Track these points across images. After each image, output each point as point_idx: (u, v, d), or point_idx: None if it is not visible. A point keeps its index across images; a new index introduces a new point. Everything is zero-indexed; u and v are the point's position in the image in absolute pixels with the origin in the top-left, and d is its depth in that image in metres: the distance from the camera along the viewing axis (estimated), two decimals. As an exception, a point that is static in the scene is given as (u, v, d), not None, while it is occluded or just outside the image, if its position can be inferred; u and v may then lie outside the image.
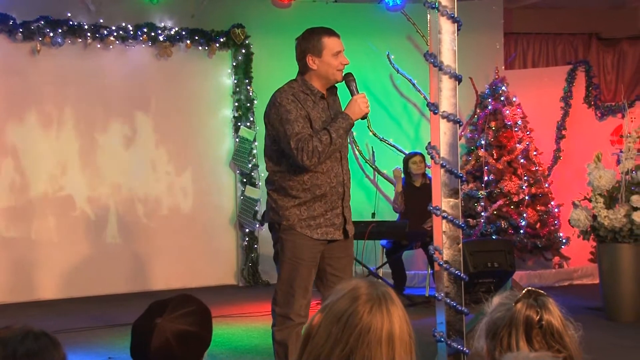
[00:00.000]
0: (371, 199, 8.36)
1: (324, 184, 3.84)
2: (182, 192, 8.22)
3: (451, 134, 3.34)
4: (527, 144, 8.11)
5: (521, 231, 7.84)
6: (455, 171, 3.35)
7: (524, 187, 7.92)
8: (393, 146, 8.32)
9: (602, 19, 9.70)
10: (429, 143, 3.43)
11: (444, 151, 3.34)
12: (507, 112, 8.16)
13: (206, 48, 8.23)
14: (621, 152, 6.60)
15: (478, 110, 8.39)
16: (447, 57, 3.33)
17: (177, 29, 8.05)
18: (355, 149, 8.28)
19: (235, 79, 8.34)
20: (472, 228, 7.84)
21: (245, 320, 6.52)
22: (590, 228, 6.24)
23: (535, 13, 9.53)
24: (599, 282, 6.45)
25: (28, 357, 1.68)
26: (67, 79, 7.78)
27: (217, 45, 8.22)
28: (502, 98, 8.24)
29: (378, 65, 8.39)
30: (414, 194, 7.45)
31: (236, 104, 8.31)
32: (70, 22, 7.66)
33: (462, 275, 3.36)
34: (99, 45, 7.84)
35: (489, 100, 8.29)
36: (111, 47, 7.86)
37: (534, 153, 8.18)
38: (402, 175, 7.57)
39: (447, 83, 3.34)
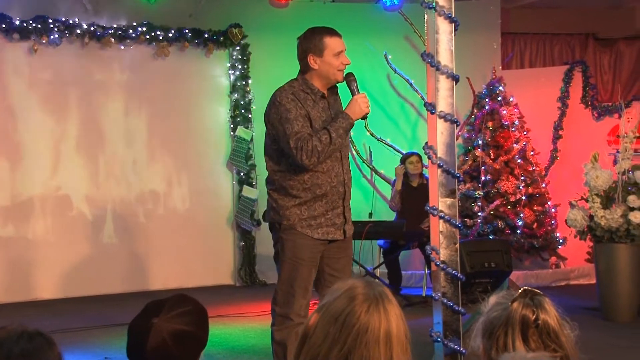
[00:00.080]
0: (368, 199, 8.36)
1: (325, 184, 3.83)
2: (180, 192, 8.21)
3: (448, 134, 3.35)
4: (524, 144, 8.11)
5: (518, 231, 7.84)
6: (452, 171, 3.35)
7: (521, 187, 7.92)
8: (390, 146, 8.33)
9: (599, 19, 9.71)
10: (426, 143, 3.43)
11: (441, 151, 3.35)
12: (504, 112, 8.16)
13: (203, 48, 8.23)
14: (618, 152, 6.61)
15: (475, 110, 8.39)
16: (445, 57, 3.33)
17: (174, 28, 8.04)
18: (352, 149, 8.28)
19: (232, 79, 8.34)
20: (469, 228, 7.85)
21: (242, 320, 6.52)
22: (587, 228, 6.25)
23: (532, 13, 9.54)
24: (595, 282, 6.46)
25: (22, 357, 1.68)
26: (64, 79, 7.77)
27: (215, 44, 8.22)
28: (499, 98, 8.25)
29: (375, 65, 8.39)
30: (411, 194, 7.45)
31: (233, 103, 8.31)
32: (68, 22, 7.65)
33: (459, 275, 3.36)
34: (96, 45, 7.83)
35: (486, 100, 8.30)
36: (108, 46, 7.85)
37: (531, 153, 8.19)
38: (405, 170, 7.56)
39: (444, 83, 3.34)
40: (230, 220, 8.36)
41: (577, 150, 8.26)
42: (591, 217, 6.20)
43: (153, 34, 7.96)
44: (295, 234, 3.84)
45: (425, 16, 3.39)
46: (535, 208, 7.97)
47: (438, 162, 3.33)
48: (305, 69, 3.89)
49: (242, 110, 8.27)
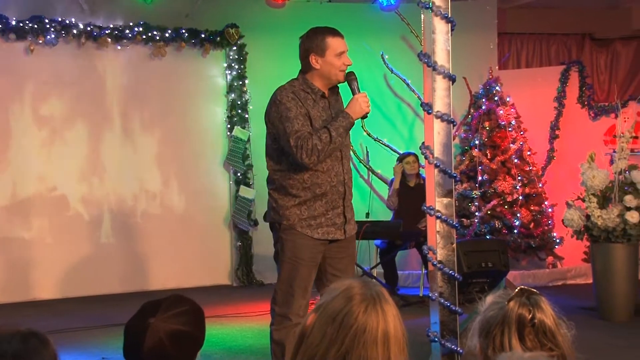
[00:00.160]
0: (365, 199, 8.36)
1: (325, 183, 3.83)
2: (176, 192, 8.21)
3: (445, 134, 3.35)
4: (521, 144, 8.12)
5: (515, 231, 7.85)
6: (449, 171, 3.36)
7: (517, 187, 7.93)
8: (387, 146, 8.33)
9: (595, 19, 9.72)
10: (423, 143, 3.43)
11: (437, 151, 3.35)
12: (501, 112, 8.17)
13: (200, 48, 8.22)
14: (614, 152, 6.62)
15: (472, 110, 8.40)
16: (441, 57, 3.34)
17: (171, 28, 8.04)
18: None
19: (229, 79, 8.33)
20: (466, 228, 7.85)
21: (239, 320, 6.52)
22: (584, 228, 6.25)
23: (528, 13, 9.55)
24: (592, 281, 6.47)
25: (15, 358, 1.67)
26: (61, 79, 7.76)
27: (211, 45, 8.21)
28: (495, 98, 8.25)
29: (372, 65, 8.39)
30: (408, 194, 7.45)
31: (230, 103, 8.30)
32: (64, 22, 7.64)
33: (456, 275, 3.37)
34: (92, 45, 7.83)
35: (483, 100, 8.31)
36: (105, 47, 7.85)
37: (528, 153, 8.19)
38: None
39: (441, 83, 3.35)
40: (228, 221, 8.36)
41: (574, 150, 8.27)
42: (588, 217, 6.20)
43: (149, 34, 7.95)
44: (295, 234, 3.83)
45: (422, 16, 3.39)
46: (532, 208, 7.98)
47: (435, 162, 3.33)
48: (306, 68, 3.90)
49: (239, 111, 8.27)
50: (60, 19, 7.63)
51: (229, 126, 8.30)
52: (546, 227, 8.02)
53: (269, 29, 8.33)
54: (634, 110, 7.84)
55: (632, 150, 6.80)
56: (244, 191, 8.20)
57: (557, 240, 8.00)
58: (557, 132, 8.72)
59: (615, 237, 6.12)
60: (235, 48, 8.27)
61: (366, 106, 3.85)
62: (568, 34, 9.84)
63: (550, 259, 8.11)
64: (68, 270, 7.73)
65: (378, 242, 7.51)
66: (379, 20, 8.50)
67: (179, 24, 8.08)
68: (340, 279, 1.90)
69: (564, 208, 6.44)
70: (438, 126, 3.35)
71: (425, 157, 3.39)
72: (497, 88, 8.29)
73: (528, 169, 8.11)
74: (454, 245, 3.39)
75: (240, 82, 8.29)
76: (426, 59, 3.34)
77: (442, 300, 3.35)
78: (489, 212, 7.89)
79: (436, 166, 3.34)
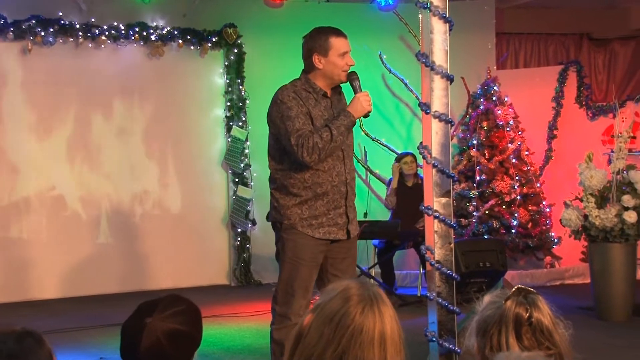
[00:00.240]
0: (363, 199, 8.34)
1: (325, 182, 3.83)
2: (174, 192, 8.21)
3: (443, 134, 3.35)
4: (519, 144, 8.12)
5: (513, 231, 7.85)
6: (447, 171, 3.36)
7: (515, 187, 7.94)
8: (385, 146, 8.33)
9: (593, 19, 9.72)
10: (421, 143, 3.43)
11: (435, 151, 3.35)
12: (499, 112, 8.18)
13: (198, 47, 8.22)
14: (612, 152, 6.63)
15: (470, 110, 8.40)
16: (439, 57, 3.34)
17: (169, 28, 8.03)
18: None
19: (227, 79, 8.33)
20: (464, 228, 7.85)
21: (237, 320, 6.52)
22: (582, 228, 6.26)
23: (526, 13, 9.55)
24: (590, 281, 6.47)
25: (10, 358, 1.66)
26: (59, 79, 7.76)
27: (209, 44, 8.21)
28: (494, 98, 8.25)
29: (370, 65, 8.38)
30: (406, 194, 7.45)
31: (228, 103, 8.30)
32: (62, 22, 7.63)
33: (453, 274, 3.37)
34: (90, 45, 7.82)
35: (481, 100, 8.31)
36: (103, 46, 7.84)
37: (526, 153, 8.20)
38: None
39: (439, 83, 3.35)
40: (225, 220, 8.35)
41: (572, 150, 8.28)
42: (586, 217, 6.21)
43: (147, 34, 7.95)
44: (296, 233, 3.84)
45: (420, 16, 3.39)
46: (530, 208, 7.99)
47: (433, 162, 3.34)
48: (309, 68, 3.90)
49: (237, 110, 8.27)
50: (58, 19, 7.62)
51: (226, 126, 8.30)
52: (544, 227, 8.02)
53: (267, 28, 8.33)
54: (631, 110, 7.86)
55: (629, 150, 6.81)
56: (242, 191, 8.20)
57: (555, 240, 8.00)
58: (555, 132, 8.73)
59: (613, 237, 6.12)
60: (233, 48, 8.27)
61: (368, 105, 3.86)
62: (566, 34, 9.84)
63: (548, 258, 8.12)
64: (66, 270, 7.72)
65: (376, 242, 7.51)
66: (377, 20, 8.50)
67: (177, 23, 8.08)
68: (340, 279, 1.90)
69: (561, 208, 6.44)
70: (436, 126, 3.35)
71: (423, 157, 3.39)
72: (495, 88, 8.30)
73: (526, 168, 8.11)
74: (452, 245, 3.39)
75: (239, 82, 8.29)
76: (424, 58, 3.34)
77: (440, 300, 3.36)
78: (487, 212, 7.89)
79: (434, 166, 3.34)
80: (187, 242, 8.16)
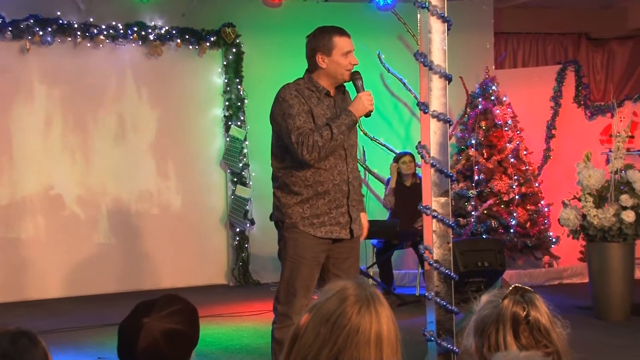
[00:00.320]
0: (362, 199, 8.35)
1: (327, 181, 3.83)
2: (173, 192, 8.20)
3: (441, 134, 3.35)
4: (517, 144, 8.12)
5: (511, 230, 7.86)
6: (446, 170, 3.36)
7: (514, 187, 7.94)
8: (384, 145, 8.33)
9: (591, 19, 9.73)
10: (419, 142, 3.44)
11: (434, 150, 3.35)
12: (498, 111, 8.18)
13: (197, 47, 8.21)
14: (610, 151, 6.63)
15: (468, 110, 8.40)
16: (437, 56, 3.34)
17: (167, 28, 8.03)
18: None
19: (225, 78, 8.33)
20: (463, 227, 7.86)
21: (235, 319, 6.51)
22: (580, 227, 6.26)
23: (525, 13, 9.55)
24: (588, 281, 6.47)
25: (4, 358, 1.66)
26: (57, 78, 7.75)
27: (208, 44, 8.21)
28: (492, 97, 8.26)
29: (369, 64, 8.35)
30: (405, 194, 7.46)
31: (227, 103, 8.29)
32: (60, 21, 7.63)
33: (452, 274, 3.37)
34: (89, 44, 7.81)
35: (479, 99, 8.31)
36: (101, 46, 7.84)
37: (524, 152, 8.20)
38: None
39: (437, 82, 3.35)
40: (224, 220, 8.35)
41: (570, 150, 8.28)
42: (584, 216, 6.21)
43: (146, 34, 7.95)
44: (297, 232, 3.84)
45: (418, 16, 3.39)
46: (528, 207, 7.99)
47: (431, 161, 3.34)
48: (312, 67, 3.91)
49: (236, 110, 8.27)
50: (56, 18, 7.62)
51: (225, 125, 8.30)
52: (542, 227, 8.03)
53: (266, 28, 8.33)
54: (629, 110, 7.85)
55: (628, 150, 6.82)
56: (241, 190, 8.20)
57: (554, 240, 8.01)
58: (553, 131, 8.73)
59: (611, 237, 6.13)
60: (231, 47, 8.26)
61: (369, 104, 3.86)
62: (564, 33, 9.85)
63: (546, 258, 8.12)
64: (64, 270, 7.71)
65: (375, 241, 7.51)
66: (375, 19, 8.50)
67: (176, 23, 8.08)
68: (340, 279, 1.90)
69: (560, 207, 6.44)
70: (434, 125, 3.35)
71: (422, 157, 3.39)
72: (494, 87, 8.30)
73: (524, 168, 8.12)
74: (450, 244, 3.40)
75: (237, 82, 8.29)
76: (422, 58, 3.34)
77: (439, 300, 3.36)
78: (485, 212, 7.90)
79: (432, 165, 3.34)
80: (185, 241, 8.16)
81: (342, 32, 3.90)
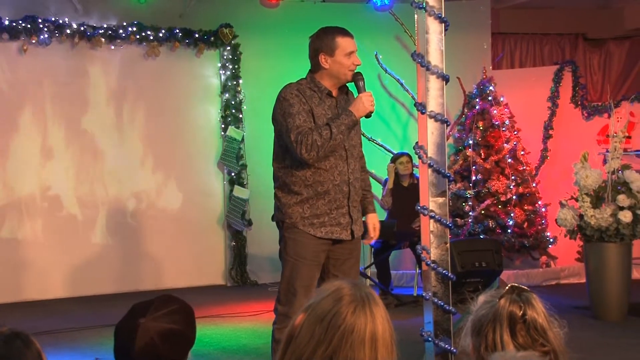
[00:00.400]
0: (359, 199, 8.36)
1: (327, 181, 3.83)
2: (170, 192, 8.20)
3: (439, 134, 3.36)
4: (515, 144, 8.13)
5: (509, 230, 7.86)
6: (443, 171, 3.36)
7: (511, 187, 7.95)
8: (381, 146, 8.34)
9: (588, 19, 9.75)
10: (417, 143, 3.44)
11: (431, 151, 3.36)
12: (495, 111, 8.19)
13: (194, 48, 8.21)
14: (607, 151, 6.64)
15: (466, 110, 8.41)
16: (435, 57, 3.34)
17: (165, 28, 8.03)
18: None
19: (223, 79, 8.33)
20: (460, 227, 7.86)
21: (233, 320, 6.51)
22: (577, 227, 6.27)
23: (522, 13, 9.57)
24: (585, 281, 6.48)
25: None
26: (55, 79, 7.75)
27: (205, 44, 8.21)
28: (489, 98, 8.26)
29: (366, 65, 8.32)
30: (402, 194, 7.46)
31: (224, 103, 8.30)
32: (57, 22, 7.63)
33: (449, 274, 3.37)
34: (86, 45, 7.82)
35: (477, 100, 8.32)
36: (99, 46, 7.84)
37: (522, 153, 8.21)
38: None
39: (434, 83, 3.36)
40: (221, 221, 8.35)
41: (567, 150, 8.29)
42: (581, 217, 6.22)
43: (143, 34, 7.94)
44: (297, 232, 3.84)
45: (416, 16, 3.40)
46: (525, 207, 8.00)
47: (429, 161, 3.34)
48: (315, 68, 3.92)
49: (233, 110, 8.26)
50: (53, 19, 7.62)
51: (223, 126, 8.30)
52: (540, 227, 8.03)
53: (263, 28, 8.33)
54: (626, 110, 7.86)
55: (625, 150, 6.82)
56: (238, 191, 8.20)
57: (551, 240, 8.01)
58: (550, 131, 8.73)
59: (608, 237, 6.13)
60: (229, 48, 8.27)
61: (370, 105, 3.86)
62: (561, 34, 9.86)
63: (543, 258, 8.13)
64: (62, 271, 7.71)
65: (372, 241, 7.50)
66: (373, 20, 8.51)
67: (173, 23, 8.08)
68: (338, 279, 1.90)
69: (557, 208, 6.45)
70: (432, 126, 3.36)
71: (419, 157, 3.39)
72: (491, 88, 8.31)
73: (522, 168, 8.12)
74: (448, 244, 3.40)
75: (234, 82, 8.29)
76: (420, 59, 3.35)
77: (436, 300, 3.36)
78: (482, 212, 7.90)
79: (430, 166, 3.35)
80: (183, 242, 8.15)
81: (345, 32, 3.91)
